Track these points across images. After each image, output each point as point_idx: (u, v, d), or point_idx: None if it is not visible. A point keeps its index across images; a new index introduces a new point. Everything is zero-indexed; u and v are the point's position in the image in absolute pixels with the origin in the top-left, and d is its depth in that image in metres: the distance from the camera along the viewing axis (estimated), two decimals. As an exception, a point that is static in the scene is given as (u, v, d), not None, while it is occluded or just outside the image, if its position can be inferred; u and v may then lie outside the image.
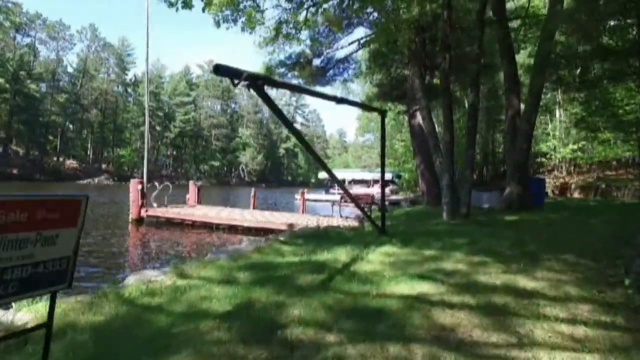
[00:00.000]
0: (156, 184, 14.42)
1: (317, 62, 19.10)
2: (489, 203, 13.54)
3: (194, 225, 12.69)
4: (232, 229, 12.20)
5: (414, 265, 4.83)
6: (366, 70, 19.32)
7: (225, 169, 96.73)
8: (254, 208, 15.42)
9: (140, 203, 12.89)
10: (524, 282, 4.15)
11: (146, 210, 13.10)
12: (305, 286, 4.05)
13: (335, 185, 36.51)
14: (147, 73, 15.45)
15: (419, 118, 14.80)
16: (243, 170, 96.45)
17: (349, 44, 17.86)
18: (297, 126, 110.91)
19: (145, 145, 14.23)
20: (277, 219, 11.96)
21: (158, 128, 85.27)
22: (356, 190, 33.53)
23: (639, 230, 6.72)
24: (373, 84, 20.63)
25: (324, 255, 5.65)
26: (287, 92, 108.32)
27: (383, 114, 7.79)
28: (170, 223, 13.17)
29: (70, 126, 74.76)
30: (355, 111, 69.48)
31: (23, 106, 59.32)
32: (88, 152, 78.03)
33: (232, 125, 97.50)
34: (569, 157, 33.08)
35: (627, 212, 11.47)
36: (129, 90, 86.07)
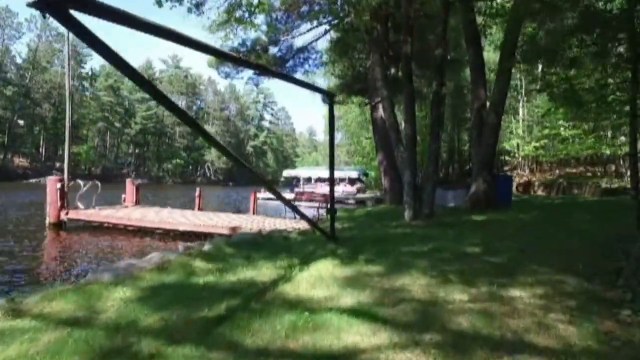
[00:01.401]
0: (80, 182, 12.55)
1: (274, 50, 17.69)
2: (455, 202, 12.64)
3: (125, 229, 10.99)
4: (167, 233, 10.61)
5: (354, 290, 3.59)
6: (327, 59, 18.09)
7: (190, 167, 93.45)
8: (199, 209, 13.81)
9: (59, 205, 11.04)
10: (499, 315, 2.98)
11: (66, 213, 11.27)
12: (180, 332, 2.71)
13: (301, 183, 35.21)
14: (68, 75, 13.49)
15: (381, 111, 13.71)
16: (209, 168, 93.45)
17: (308, 30, 16.56)
18: (266, 124, 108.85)
19: (67, 135, 12.30)
20: (219, 222, 10.45)
21: (117, 124, 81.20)
22: (320, 189, 32.36)
23: None
24: (335, 75, 19.45)
25: (243, 273, 4.32)
26: (255, 89, 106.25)
27: (331, 97, 6.56)
28: (95, 227, 11.39)
29: (20, 122, 69.50)
30: (323, 108, 68.26)
31: (-39, 99, 54.38)
32: (40, 150, 72.98)
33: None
34: (532, 154, 33.34)
35: (596, 211, 10.80)
36: (86, 84, 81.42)
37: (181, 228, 10.39)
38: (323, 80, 22.86)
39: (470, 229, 7.59)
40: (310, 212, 11.55)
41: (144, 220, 10.96)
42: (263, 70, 5.48)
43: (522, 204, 14.72)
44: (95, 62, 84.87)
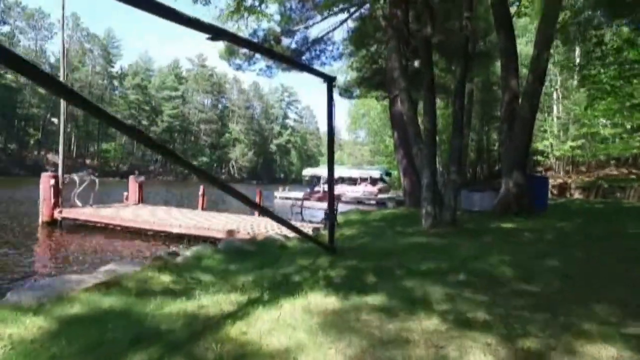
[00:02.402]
0: (75, 177, 11.96)
1: (288, 42, 16.75)
2: (481, 206, 11.29)
3: (119, 230, 10.29)
4: (162, 235, 9.80)
5: (326, 338, 2.52)
6: (344, 51, 16.98)
7: (215, 165, 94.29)
8: (203, 209, 13.00)
9: (53, 202, 10.48)
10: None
11: (60, 211, 10.69)
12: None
13: (321, 182, 34.20)
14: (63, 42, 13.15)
15: (399, 105, 12.49)
16: (233, 166, 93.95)
17: (323, 19, 15.52)
18: (290, 123, 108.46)
19: (61, 131, 11.78)
20: (215, 225, 9.49)
21: (145, 122, 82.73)
22: (341, 188, 31.22)
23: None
24: (353, 68, 18.30)
25: (197, 301, 3.34)
26: (280, 87, 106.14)
27: (330, 80, 5.50)
28: (90, 227, 10.76)
29: (54, 120, 71.73)
30: (347, 106, 66.87)
31: (-1, 98, 56.45)
32: (72, 147, 75.26)
33: (222, 120, 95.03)
34: (568, 155, 31.12)
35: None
36: (115, 83, 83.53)
37: (174, 230, 9.57)
38: (341, 75, 21.72)
39: (500, 240, 6.35)
40: (321, 214, 10.55)
41: (136, 221, 10.22)
42: (265, 53, 4.64)
43: (559, 208, 13.15)
44: (124, 60, 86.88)
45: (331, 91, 5.53)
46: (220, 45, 16.44)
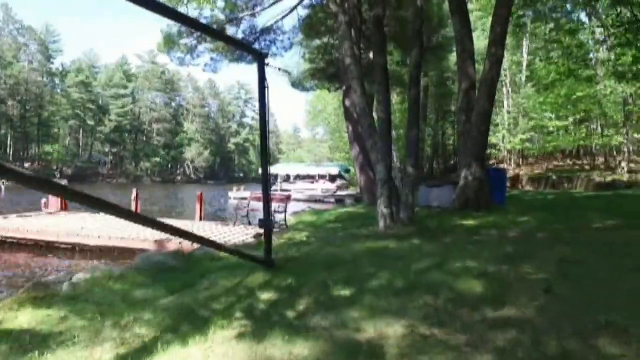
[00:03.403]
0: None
1: (233, 31, 15.49)
2: (440, 201, 10.74)
3: (24, 244, 8.61)
4: (76, 249, 8.31)
5: None
6: (294, 39, 15.98)
7: (169, 165, 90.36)
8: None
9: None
10: None
11: (-51, 223, 8.94)
12: None
13: (278, 181, 33.07)
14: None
15: (353, 95, 11.71)
16: (189, 166, 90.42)
17: (271, 5, 14.44)
18: (248, 120, 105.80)
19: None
20: (148, 233, 8.08)
21: (90, 122, 77.60)
22: (298, 186, 30.30)
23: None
24: (305, 59, 17.35)
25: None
26: (236, 85, 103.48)
27: (261, 57, 4.52)
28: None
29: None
30: (307, 104, 65.65)
31: None
32: (8, 150, 69.09)
33: (176, 119, 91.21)
34: (518, 147, 32.03)
35: (609, 209, 8.98)
36: (56, 80, 77.62)
37: (91, 242, 8.18)
38: (295, 68, 20.68)
39: (462, 241, 5.65)
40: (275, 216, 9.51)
41: (45, 233, 8.66)
42: (184, 22, 3.74)
43: (516, 201, 12.94)
44: (65, 57, 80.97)
45: (263, 70, 4.55)
46: (159, 37, 14.95)
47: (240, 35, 16.01)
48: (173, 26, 14.41)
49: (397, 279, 3.70)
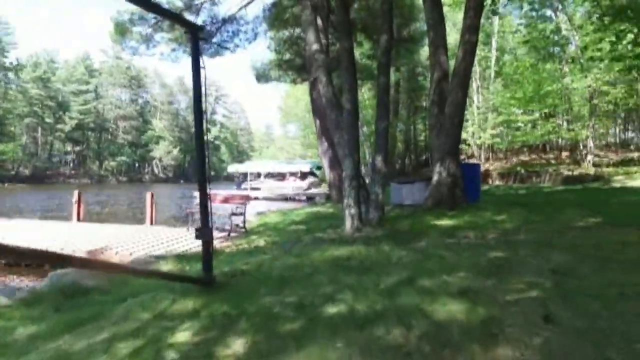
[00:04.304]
0: None
1: (192, 20, 14.41)
2: (412, 199, 10.15)
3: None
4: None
5: None
6: (258, 29, 15.05)
7: (137, 165, 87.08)
8: (79, 220, 10.21)
9: None
10: None
11: None
12: None
13: (248, 179, 31.95)
14: None
15: (320, 88, 10.94)
16: (157, 165, 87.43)
17: (231, -8, 13.43)
18: (219, 118, 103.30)
19: None
20: (78, 243, 6.98)
21: (49, 120, 73.51)
22: (268, 184, 29.31)
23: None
24: (271, 50, 16.45)
25: None
26: (207, 81, 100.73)
27: (194, 30, 3.67)
28: None
29: None
30: (279, 101, 64.13)
31: None
32: (-43, 150, 64.44)
33: (143, 116, 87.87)
34: (488, 142, 32.28)
35: (584, 203, 8.64)
36: (10, 75, 72.95)
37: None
38: (262, 65, 19.63)
39: (438, 246, 4.99)
40: (237, 219, 8.62)
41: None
42: None
43: (489, 197, 12.60)
44: (21, 51, 76.26)
45: (197, 47, 3.71)
46: (110, 26, 13.70)
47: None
48: (124, 13, 13.23)
49: (360, 302, 2.96)
